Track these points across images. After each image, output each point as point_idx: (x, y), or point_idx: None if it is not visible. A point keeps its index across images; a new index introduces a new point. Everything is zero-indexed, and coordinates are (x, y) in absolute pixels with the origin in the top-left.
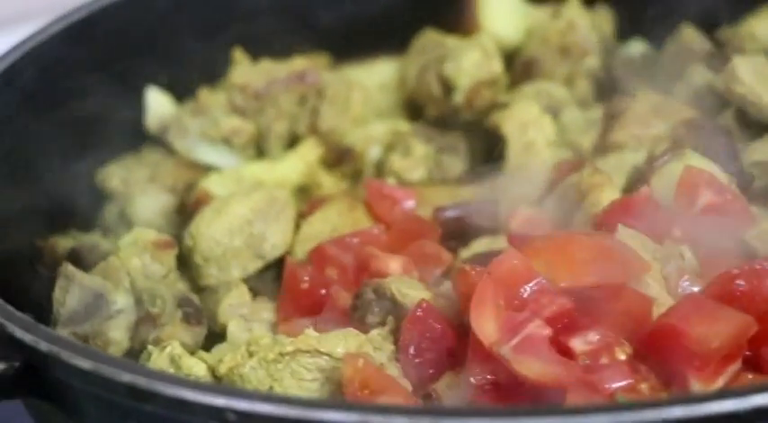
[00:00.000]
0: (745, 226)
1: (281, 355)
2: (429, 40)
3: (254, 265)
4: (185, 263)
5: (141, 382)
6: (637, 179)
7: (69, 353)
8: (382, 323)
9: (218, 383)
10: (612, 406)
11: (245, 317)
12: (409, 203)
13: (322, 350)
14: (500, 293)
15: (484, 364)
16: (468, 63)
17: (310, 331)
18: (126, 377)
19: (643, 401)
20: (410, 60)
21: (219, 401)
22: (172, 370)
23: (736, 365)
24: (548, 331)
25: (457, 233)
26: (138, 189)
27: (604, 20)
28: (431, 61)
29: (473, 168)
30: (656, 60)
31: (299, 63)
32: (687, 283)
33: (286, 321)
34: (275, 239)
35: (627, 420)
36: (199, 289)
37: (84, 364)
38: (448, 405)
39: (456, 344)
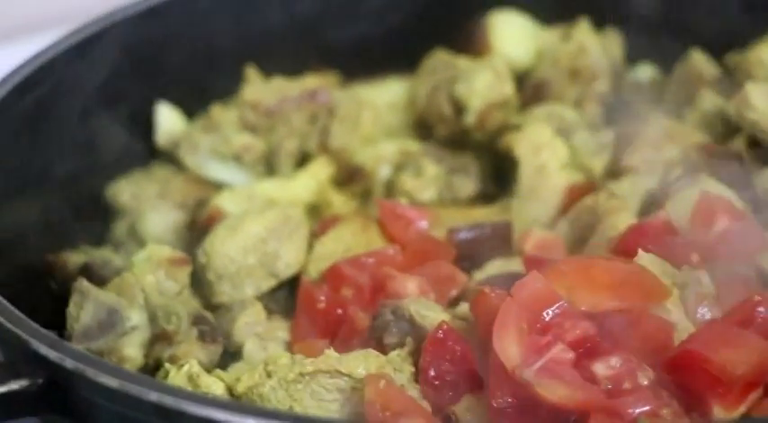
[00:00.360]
0: (761, 251)
1: (301, 374)
2: (440, 60)
3: (268, 284)
4: (198, 280)
5: (168, 400)
6: (651, 203)
7: (95, 370)
8: (400, 344)
9: (238, 402)
10: None
11: (261, 336)
12: (423, 224)
13: (342, 371)
14: (523, 317)
15: (505, 387)
16: (481, 84)
17: (331, 352)
18: (153, 396)
19: None
20: (420, 80)
21: (249, 422)
22: (190, 388)
23: (758, 392)
24: (571, 355)
25: (470, 254)
26: (149, 205)
27: (614, 43)
28: (442, 82)
29: (484, 190)
30: (665, 85)
31: (310, 81)
32: (706, 308)
33: (301, 341)
34: (289, 258)
35: None
36: (211, 307)
37: (111, 381)
38: None
39: (475, 366)
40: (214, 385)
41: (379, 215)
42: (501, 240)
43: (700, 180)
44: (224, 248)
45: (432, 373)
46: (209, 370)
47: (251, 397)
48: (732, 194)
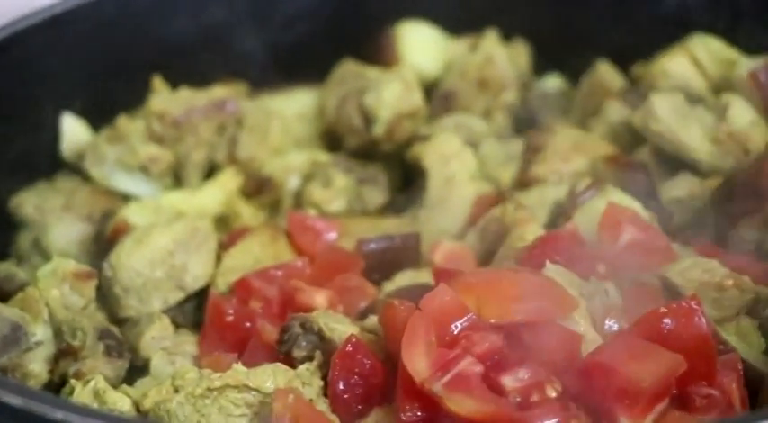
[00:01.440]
0: (667, 262)
1: (209, 390)
2: (348, 70)
3: (175, 297)
4: (104, 294)
5: (74, 419)
6: (558, 214)
7: None
8: (309, 358)
9: (144, 419)
10: None
11: (168, 350)
12: (331, 235)
13: (251, 385)
14: (431, 329)
15: (414, 401)
16: (389, 95)
17: (239, 366)
18: (58, 414)
19: None
20: (329, 91)
21: None
22: (96, 405)
23: (664, 404)
24: (479, 368)
25: (380, 266)
26: (53, 217)
27: (521, 54)
28: (351, 92)
29: (393, 200)
30: (572, 95)
31: (218, 92)
32: (613, 320)
33: (209, 355)
34: (197, 271)
35: None
36: (118, 321)
37: (14, 400)
38: None
39: (384, 379)
40: (120, 401)
41: (288, 227)
42: (410, 251)
43: (606, 191)
44: (130, 261)
45: (340, 386)
46: (115, 385)
47: (158, 413)
48: (638, 205)
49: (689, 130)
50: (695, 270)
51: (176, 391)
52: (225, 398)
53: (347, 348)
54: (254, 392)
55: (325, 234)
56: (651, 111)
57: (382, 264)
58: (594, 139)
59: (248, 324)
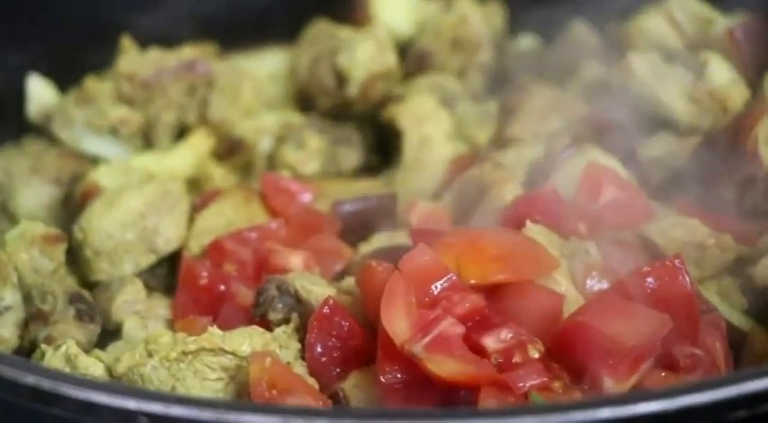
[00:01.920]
0: (647, 222)
1: (184, 353)
2: (320, 30)
3: (147, 260)
4: (74, 258)
5: (46, 384)
6: (536, 174)
7: None
8: (285, 320)
9: (118, 382)
10: (541, 408)
11: (141, 314)
12: (306, 197)
13: (226, 348)
14: (411, 290)
15: (394, 363)
16: (363, 55)
17: (214, 329)
18: (30, 379)
19: (571, 403)
20: (301, 51)
21: (131, 404)
22: (68, 370)
23: (649, 363)
24: (460, 329)
25: (356, 227)
26: (21, 180)
27: (495, 14)
28: (323, 53)
29: (368, 161)
30: (547, 55)
31: (188, 52)
32: (594, 279)
33: (183, 318)
34: (169, 233)
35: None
36: (89, 285)
37: None
38: (373, 408)
39: (362, 342)
40: (93, 366)
41: (262, 189)
42: (386, 212)
43: (586, 150)
44: (101, 224)
45: (318, 349)
46: (87, 350)
47: (132, 377)
48: (617, 164)
49: (667, 89)
50: (676, 229)
51: (150, 355)
52: (200, 361)
53: (324, 310)
54: (230, 356)
55: (300, 196)
56: (629, 69)
57: (358, 225)
58: (571, 99)
59: (222, 287)
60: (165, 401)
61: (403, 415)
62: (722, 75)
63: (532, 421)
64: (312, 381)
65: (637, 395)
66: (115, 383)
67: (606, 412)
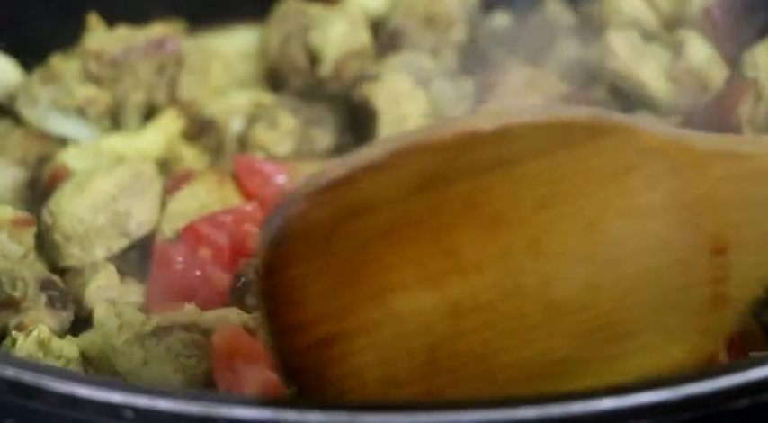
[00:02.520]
0: None
1: (158, 329)
2: (291, 8)
3: (119, 244)
4: (44, 242)
5: (27, 377)
6: None
7: None
8: None
9: (90, 366)
10: (540, 399)
11: (114, 301)
12: (281, 178)
13: (202, 326)
14: None
15: None
16: (336, 33)
17: (191, 306)
18: (9, 372)
19: (572, 393)
20: (272, 29)
21: (116, 398)
22: (41, 355)
23: None
24: None
25: None
26: None
27: None
28: (294, 31)
29: (342, 142)
30: (522, 33)
31: (157, 30)
32: None
33: (157, 304)
34: (141, 217)
35: None
36: (59, 270)
37: None
38: (368, 400)
39: None
40: (67, 349)
41: (235, 171)
42: None
43: None
44: (71, 208)
45: None
46: (60, 337)
47: (104, 354)
48: None
49: (646, 68)
50: None
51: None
52: (174, 337)
53: None
54: (204, 334)
55: (275, 177)
56: (608, 48)
57: None
58: (547, 77)
59: (198, 272)
60: (150, 395)
61: (397, 407)
62: (700, 53)
63: (532, 412)
64: None
65: (638, 385)
66: (99, 377)
67: (608, 402)
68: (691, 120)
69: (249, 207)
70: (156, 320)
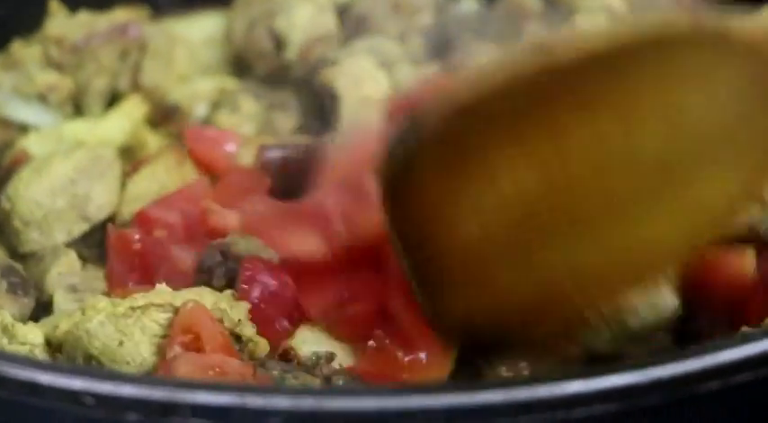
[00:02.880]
0: None
1: (132, 308)
2: None
3: (80, 229)
4: (3, 229)
5: None
6: None
7: None
8: (229, 287)
9: (56, 353)
10: (507, 382)
11: (75, 287)
12: (231, 146)
13: (176, 305)
14: None
15: None
16: (301, 18)
17: (163, 286)
18: None
19: (538, 376)
20: (236, 14)
21: (76, 384)
22: (5, 340)
23: None
24: None
25: (284, 180)
26: None
27: None
28: (260, 16)
29: (305, 125)
30: (489, 18)
31: (119, 15)
32: None
33: (119, 288)
34: (101, 200)
35: None
36: (19, 256)
37: None
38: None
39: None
40: (31, 334)
41: (187, 142)
42: (315, 163)
43: None
44: (29, 192)
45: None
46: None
47: (75, 335)
48: None
49: None
50: None
51: (96, 312)
52: (148, 317)
53: (247, 273)
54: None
55: (224, 144)
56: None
57: (286, 177)
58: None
59: (159, 251)
60: (114, 380)
61: (362, 393)
62: None
63: (498, 396)
64: (264, 341)
65: (606, 368)
66: (60, 363)
67: (575, 386)
68: None
69: (198, 184)
70: (128, 302)
